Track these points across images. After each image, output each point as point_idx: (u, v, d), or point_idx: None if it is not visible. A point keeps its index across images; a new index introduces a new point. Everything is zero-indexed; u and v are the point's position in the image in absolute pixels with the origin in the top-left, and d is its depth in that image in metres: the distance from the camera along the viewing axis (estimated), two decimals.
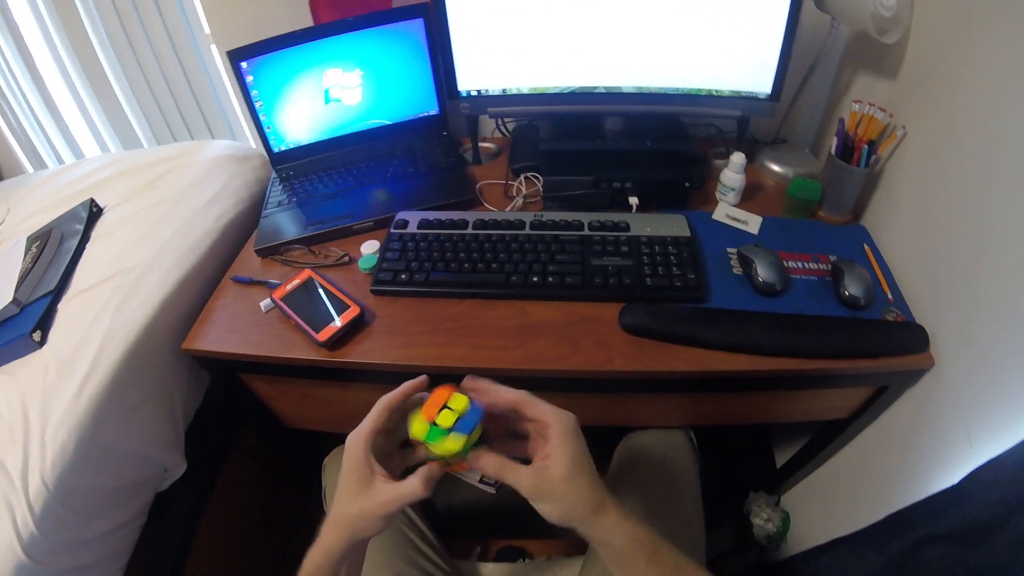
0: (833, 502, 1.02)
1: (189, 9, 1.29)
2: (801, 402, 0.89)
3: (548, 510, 0.49)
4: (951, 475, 0.64)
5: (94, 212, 0.97)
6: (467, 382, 0.55)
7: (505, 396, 0.53)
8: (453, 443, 0.49)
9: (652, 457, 0.85)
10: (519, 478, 0.49)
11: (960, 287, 0.72)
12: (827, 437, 0.98)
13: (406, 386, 0.54)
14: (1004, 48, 0.66)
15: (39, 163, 1.55)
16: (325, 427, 0.95)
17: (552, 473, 0.48)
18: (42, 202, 1.07)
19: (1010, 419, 0.61)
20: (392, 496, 0.50)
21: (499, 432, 0.56)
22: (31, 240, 0.93)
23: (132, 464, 0.76)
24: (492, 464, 0.50)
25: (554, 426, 0.50)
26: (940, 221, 0.77)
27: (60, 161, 1.58)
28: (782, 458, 1.24)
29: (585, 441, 0.51)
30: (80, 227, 0.93)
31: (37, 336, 0.76)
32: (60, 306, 0.81)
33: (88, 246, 0.91)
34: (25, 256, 0.90)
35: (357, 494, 0.50)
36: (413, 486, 0.50)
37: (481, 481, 1.17)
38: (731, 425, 0.94)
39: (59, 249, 0.90)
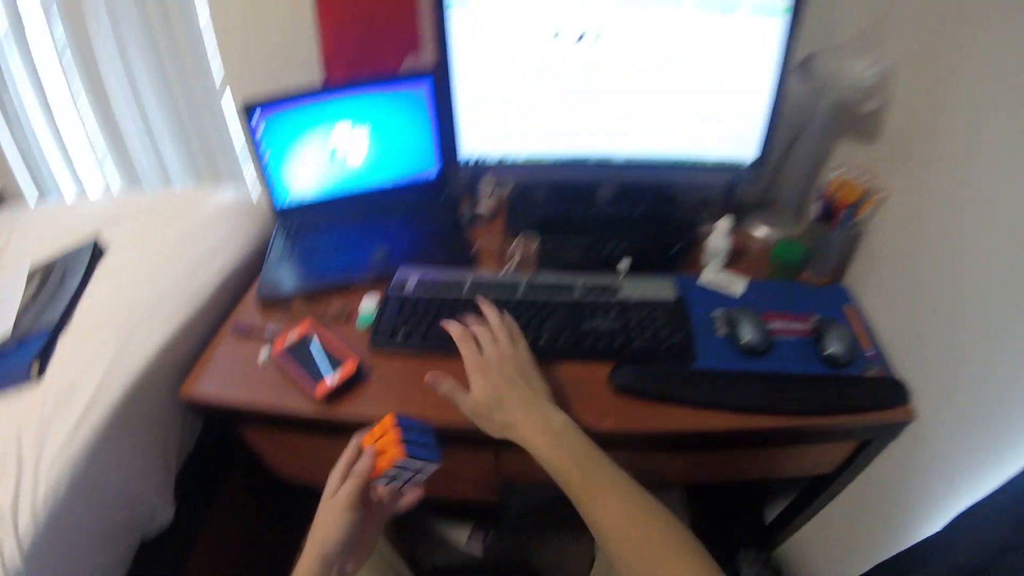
0: (824, 556, 1.03)
1: (203, 58, 1.33)
2: (788, 458, 0.91)
3: (480, 426, 0.67)
4: (937, 522, 0.66)
5: (97, 252, 0.99)
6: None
7: (453, 331, 0.73)
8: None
9: None
10: (463, 401, 0.68)
11: (938, 342, 0.75)
12: (815, 491, 1.00)
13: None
14: (972, 116, 0.71)
15: (40, 193, 1.56)
16: (319, 480, 0.95)
17: (474, 400, 0.67)
18: (45, 236, 1.08)
19: (990, 465, 0.64)
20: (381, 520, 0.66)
21: None
22: (32, 273, 0.95)
23: (122, 505, 0.77)
24: (447, 385, 0.68)
25: (465, 364, 0.69)
26: (918, 280, 0.80)
27: (61, 192, 1.60)
28: (771, 514, 1.24)
29: (500, 373, 0.67)
30: (83, 265, 0.94)
31: (35, 369, 0.77)
32: (60, 342, 0.82)
33: (90, 284, 0.92)
34: (26, 288, 0.91)
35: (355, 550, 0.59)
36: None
37: (468, 542, 1.17)
38: (720, 483, 0.96)
39: (61, 285, 0.91)
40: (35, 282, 0.92)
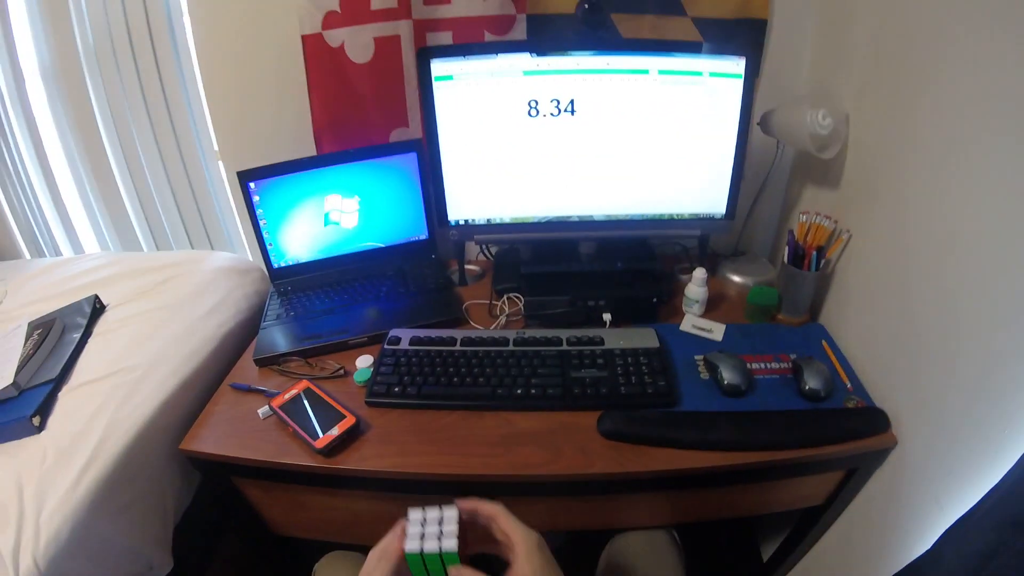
0: None
1: (201, 126, 1.39)
2: (777, 492, 0.92)
3: None
4: (927, 540, 0.67)
5: (97, 308, 1.02)
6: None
7: (483, 508, 0.59)
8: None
9: (636, 559, 0.87)
10: None
11: (912, 369, 0.79)
12: (808, 524, 1.02)
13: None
14: (926, 156, 0.77)
15: (36, 250, 1.59)
16: (314, 534, 0.97)
17: None
18: (43, 291, 1.11)
19: (972, 479, 0.66)
20: None
21: (478, 535, 0.61)
22: (33, 327, 0.97)
23: (121, 557, 0.77)
24: None
25: (519, 545, 0.55)
26: (888, 312, 0.85)
27: (58, 251, 1.62)
28: (768, 551, 1.25)
29: (550, 555, 0.56)
30: (83, 321, 0.97)
31: (36, 421, 0.79)
32: (60, 395, 0.84)
33: (90, 341, 0.95)
34: (26, 342, 0.93)
35: None
36: None
37: None
38: (712, 520, 0.97)
39: (61, 339, 0.94)
40: (35, 336, 0.94)
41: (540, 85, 0.93)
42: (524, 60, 0.92)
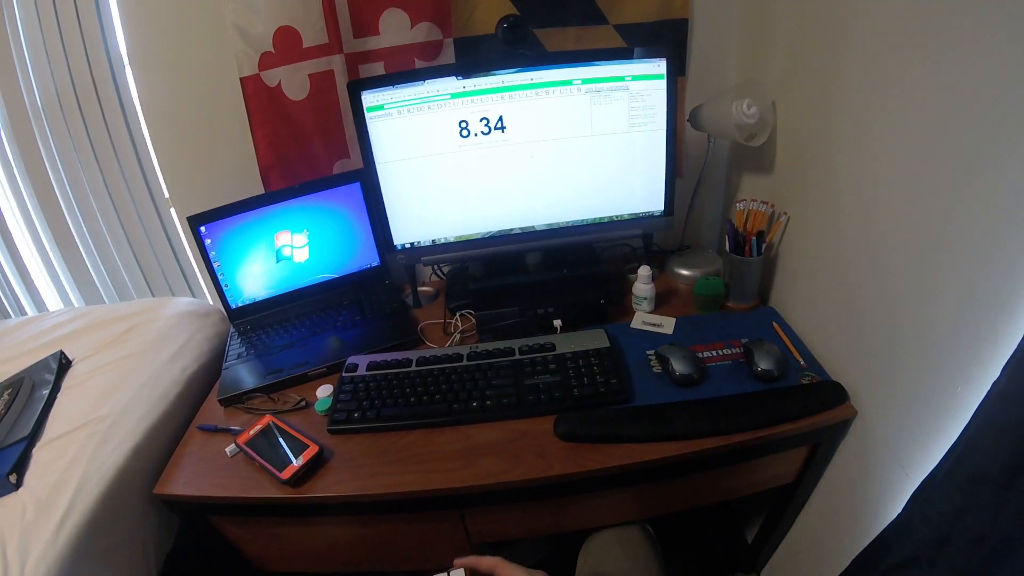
0: (809, 563, 1.06)
1: (151, 174, 1.39)
2: (744, 475, 0.94)
3: None
4: (897, 506, 0.69)
5: (64, 364, 1.03)
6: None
7: (482, 562, 0.64)
8: None
9: (612, 554, 0.89)
10: None
11: (861, 340, 0.82)
12: (784, 503, 1.04)
13: None
14: (847, 137, 0.81)
15: (0, 311, 1.59)
16: (296, 566, 0.98)
17: None
18: (10, 351, 1.12)
19: (933, 441, 0.68)
20: None
21: None
22: (2, 388, 0.98)
23: None
24: None
25: None
26: (831, 288, 0.88)
27: (21, 310, 1.62)
28: (751, 533, 1.27)
29: None
30: (51, 377, 0.98)
31: (13, 479, 0.80)
32: (35, 451, 0.85)
33: (59, 395, 0.96)
34: None
35: None
36: None
37: None
38: (688, 510, 0.99)
39: (31, 397, 0.95)
40: (6, 396, 0.95)
41: (468, 106, 0.96)
42: (451, 83, 0.95)
